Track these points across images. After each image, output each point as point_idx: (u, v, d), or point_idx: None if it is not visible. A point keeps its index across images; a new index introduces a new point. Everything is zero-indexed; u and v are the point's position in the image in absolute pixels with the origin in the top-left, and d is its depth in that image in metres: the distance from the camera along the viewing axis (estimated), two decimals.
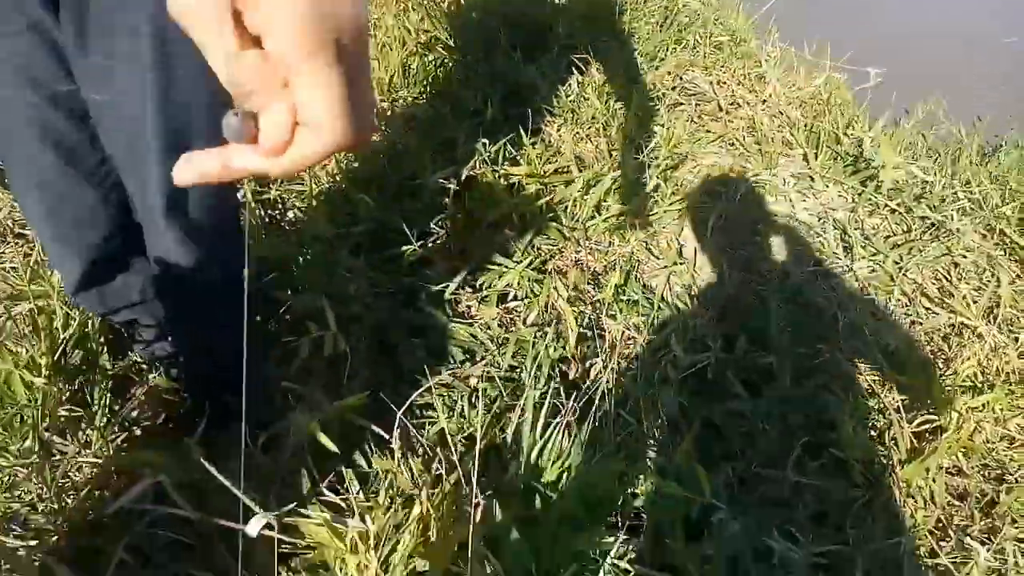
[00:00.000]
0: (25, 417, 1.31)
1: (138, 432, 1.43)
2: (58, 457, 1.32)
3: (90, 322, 1.46)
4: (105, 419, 1.39)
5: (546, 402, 1.29)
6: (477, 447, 1.01)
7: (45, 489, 1.28)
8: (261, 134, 0.42)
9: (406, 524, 0.98)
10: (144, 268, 1.09)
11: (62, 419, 1.33)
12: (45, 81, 0.86)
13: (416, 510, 0.99)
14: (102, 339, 1.47)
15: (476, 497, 0.96)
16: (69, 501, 1.30)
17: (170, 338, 1.35)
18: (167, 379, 1.45)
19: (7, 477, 1.27)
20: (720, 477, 1.42)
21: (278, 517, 1.12)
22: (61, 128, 0.89)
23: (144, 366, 1.48)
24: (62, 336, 1.39)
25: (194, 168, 0.45)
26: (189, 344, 1.29)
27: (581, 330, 1.73)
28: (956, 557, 1.38)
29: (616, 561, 1.17)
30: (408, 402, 1.38)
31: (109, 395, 1.40)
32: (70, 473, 1.33)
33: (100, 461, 1.32)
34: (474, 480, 0.96)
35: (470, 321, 1.74)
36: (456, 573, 0.98)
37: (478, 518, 0.95)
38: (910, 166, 2.34)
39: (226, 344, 1.28)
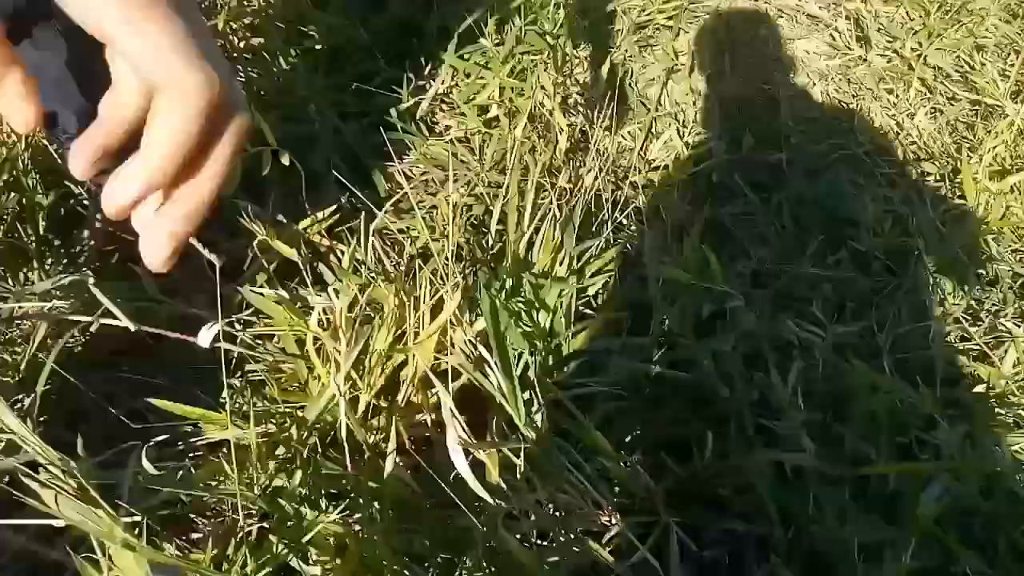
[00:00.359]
0: None
1: (89, 275, 1.30)
2: None
3: (20, 158, 1.31)
4: (49, 260, 1.26)
5: (533, 196, 1.15)
6: (449, 218, 0.87)
7: None
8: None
9: (379, 318, 0.86)
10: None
11: None
12: None
13: (391, 303, 0.86)
14: (37, 174, 1.31)
15: (455, 276, 0.83)
16: (17, 350, 1.19)
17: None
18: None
19: None
20: (732, 276, 1.30)
21: (232, 325, 1.00)
22: None
23: (85, 201, 1.33)
24: None
25: (166, 236, 0.39)
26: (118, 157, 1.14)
27: (572, 141, 1.57)
28: (989, 340, 1.27)
29: (623, 359, 1.07)
30: (382, 212, 1.24)
31: (50, 233, 1.27)
32: (16, 320, 1.21)
33: (45, 304, 1.19)
34: (449, 249, 0.82)
35: (449, 139, 1.57)
36: (442, 367, 0.86)
37: (457, 299, 0.82)
38: None
39: None
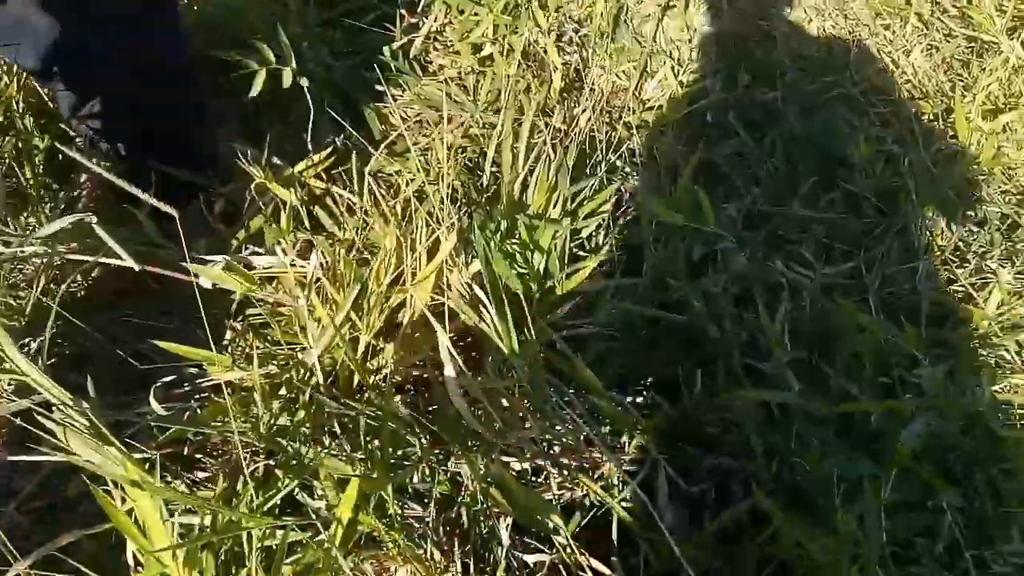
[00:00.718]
0: None
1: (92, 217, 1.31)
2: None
3: (14, 99, 1.30)
4: (48, 205, 1.26)
5: (528, 137, 1.15)
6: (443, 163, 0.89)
7: None
8: None
9: (376, 260, 0.87)
10: None
11: None
12: None
13: (387, 244, 0.88)
14: (31, 117, 1.31)
15: (451, 217, 0.85)
16: (22, 294, 1.20)
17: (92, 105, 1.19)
18: (109, 158, 1.31)
19: None
20: (724, 218, 1.32)
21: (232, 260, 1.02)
22: None
23: (78, 140, 1.32)
24: None
25: None
26: (106, 104, 1.15)
27: (567, 81, 1.56)
28: (976, 281, 1.29)
29: (616, 300, 1.09)
30: (377, 153, 1.24)
31: (47, 178, 1.27)
32: (19, 266, 1.22)
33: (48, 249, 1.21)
34: (444, 191, 0.84)
35: (442, 78, 1.56)
36: (439, 307, 0.89)
37: (453, 240, 0.84)
38: None
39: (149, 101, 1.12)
